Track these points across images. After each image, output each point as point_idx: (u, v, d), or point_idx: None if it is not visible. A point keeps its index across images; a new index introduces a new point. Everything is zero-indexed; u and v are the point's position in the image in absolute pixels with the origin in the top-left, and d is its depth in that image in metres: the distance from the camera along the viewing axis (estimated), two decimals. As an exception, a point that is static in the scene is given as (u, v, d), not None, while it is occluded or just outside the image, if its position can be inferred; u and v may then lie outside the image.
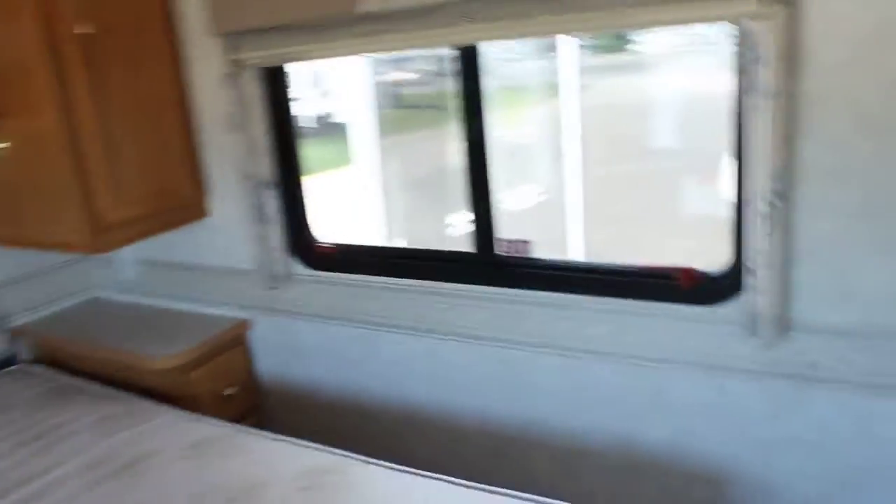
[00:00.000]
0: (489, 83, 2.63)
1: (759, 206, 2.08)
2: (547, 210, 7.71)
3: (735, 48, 2.13)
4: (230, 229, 3.15)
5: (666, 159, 7.76)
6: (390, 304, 2.91)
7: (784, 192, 2.05)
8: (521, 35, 2.37)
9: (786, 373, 2.23)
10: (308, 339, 3.17)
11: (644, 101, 8.37)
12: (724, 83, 2.28)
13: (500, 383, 2.77)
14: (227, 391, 3.13)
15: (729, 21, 2.10)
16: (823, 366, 2.17)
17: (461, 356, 2.82)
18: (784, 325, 2.17)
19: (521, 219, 6.95)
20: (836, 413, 2.21)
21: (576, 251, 7.27)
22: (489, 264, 2.76)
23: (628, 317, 2.45)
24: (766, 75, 1.99)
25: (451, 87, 2.66)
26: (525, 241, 2.71)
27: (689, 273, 2.39)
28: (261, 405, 3.37)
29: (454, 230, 7.33)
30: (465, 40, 2.46)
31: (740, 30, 2.09)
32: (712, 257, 2.43)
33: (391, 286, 2.90)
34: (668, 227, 7.05)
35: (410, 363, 2.95)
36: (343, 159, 7.98)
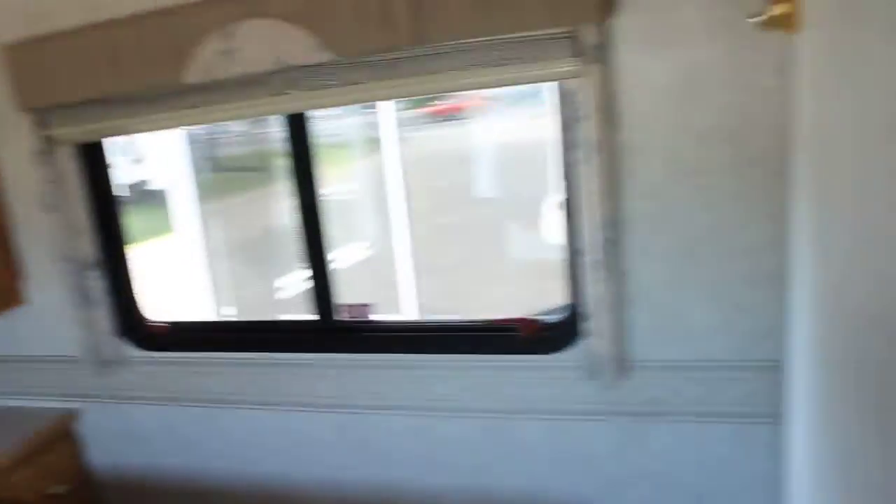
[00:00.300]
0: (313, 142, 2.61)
1: (591, 255, 2.18)
2: (377, 266, 7.74)
3: (558, 105, 2.24)
4: (52, 315, 2.90)
5: (490, 207, 8.02)
6: (231, 380, 2.78)
7: (614, 239, 2.15)
8: (351, 102, 2.38)
9: (628, 410, 2.33)
10: (145, 424, 2.96)
11: (464, 150, 8.63)
12: (538, 131, 2.38)
13: (351, 451, 2.70)
14: (55, 490, 2.84)
15: (549, 81, 2.20)
16: (662, 400, 2.29)
17: (309, 427, 2.73)
18: (623, 365, 2.27)
19: (351, 277, 6.93)
20: (676, 443, 2.33)
21: (410, 306, 7.32)
22: (331, 330, 2.71)
23: (474, 372, 2.47)
24: (588, 130, 2.09)
25: (273, 146, 2.62)
26: (366, 305, 2.70)
27: (528, 323, 2.46)
28: (98, 501, 3.11)
29: (285, 294, 7.18)
30: (294, 109, 2.43)
31: (561, 88, 2.21)
32: (544, 301, 2.51)
33: (231, 361, 2.77)
34: (498, 275, 7.26)
35: (257, 439, 2.82)
36: (163, 228, 7.64)
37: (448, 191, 8.55)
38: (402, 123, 7.88)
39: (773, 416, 2.14)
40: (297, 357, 2.70)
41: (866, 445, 1.03)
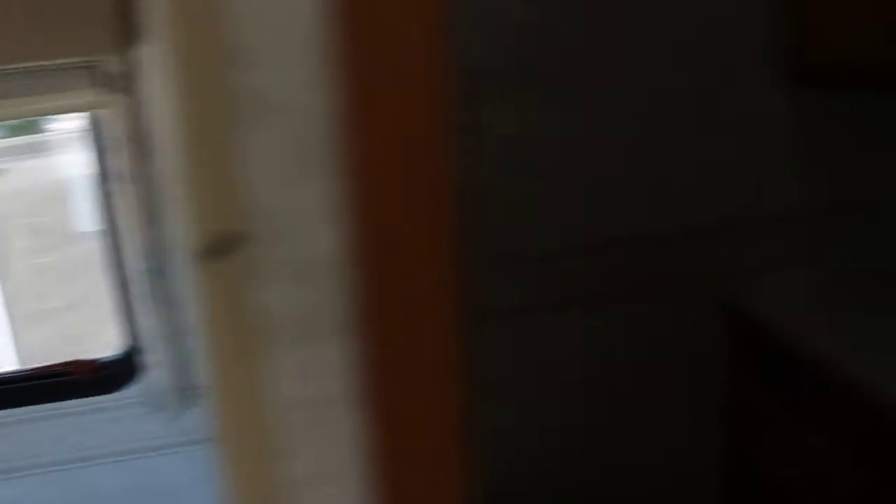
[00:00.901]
0: None
1: (137, 287, 2.14)
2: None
3: (90, 135, 2.17)
4: None
5: (97, 241, 7.56)
6: None
7: (160, 269, 2.14)
8: None
9: (200, 438, 2.32)
10: None
11: (61, 184, 8.04)
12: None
13: None
14: None
15: (79, 111, 2.13)
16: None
17: None
18: (187, 393, 2.26)
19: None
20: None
21: (7, 359, 6.60)
22: None
23: (28, 425, 2.29)
24: (120, 160, 2.06)
25: None
26: None
27: (83, 365, 2.35)
28: None
29: None
30: None
31: (92, 118, 2.14)
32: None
33: None
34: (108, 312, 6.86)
35: None
36: None
37: (50, 227, 7.90)
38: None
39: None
40: None
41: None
